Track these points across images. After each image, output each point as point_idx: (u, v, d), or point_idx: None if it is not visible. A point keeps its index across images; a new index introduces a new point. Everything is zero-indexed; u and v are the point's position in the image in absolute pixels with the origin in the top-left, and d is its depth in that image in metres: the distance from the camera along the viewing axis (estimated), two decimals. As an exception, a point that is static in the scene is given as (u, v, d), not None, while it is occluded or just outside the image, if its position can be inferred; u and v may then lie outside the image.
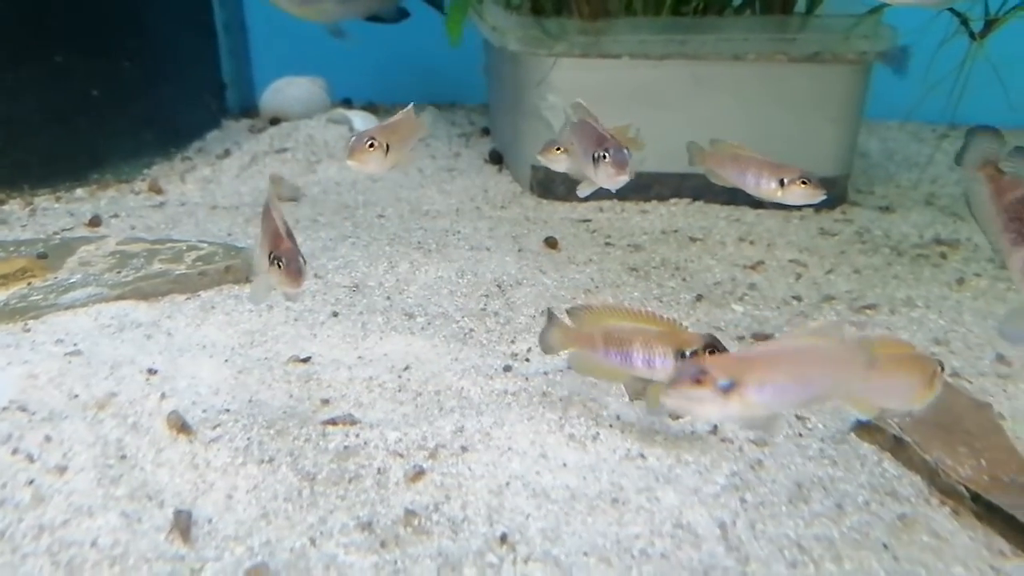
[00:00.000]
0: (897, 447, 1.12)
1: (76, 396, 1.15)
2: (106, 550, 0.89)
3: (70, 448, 1.03)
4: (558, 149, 1.64)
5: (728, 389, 0.75)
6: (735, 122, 2.30)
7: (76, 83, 2.47)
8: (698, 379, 0.75)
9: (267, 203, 1.20)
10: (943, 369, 0.98)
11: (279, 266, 1.06)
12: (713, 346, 1.02)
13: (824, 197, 1.40)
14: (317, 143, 2.87)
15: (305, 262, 1.08)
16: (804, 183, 1.38)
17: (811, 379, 0.81)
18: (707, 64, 2.29)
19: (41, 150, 2.41)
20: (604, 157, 1.14)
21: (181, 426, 1.12)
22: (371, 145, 1.25)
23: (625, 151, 1.14)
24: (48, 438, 1.04)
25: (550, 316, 1.14)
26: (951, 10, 2.20)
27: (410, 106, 1.44)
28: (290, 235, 1.11)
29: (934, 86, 2.39)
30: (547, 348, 1.15)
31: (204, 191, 2.53)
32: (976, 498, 1.01)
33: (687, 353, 1.02)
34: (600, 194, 2.38)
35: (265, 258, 1.10)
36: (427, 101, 3.76)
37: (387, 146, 1.27)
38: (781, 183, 1.40)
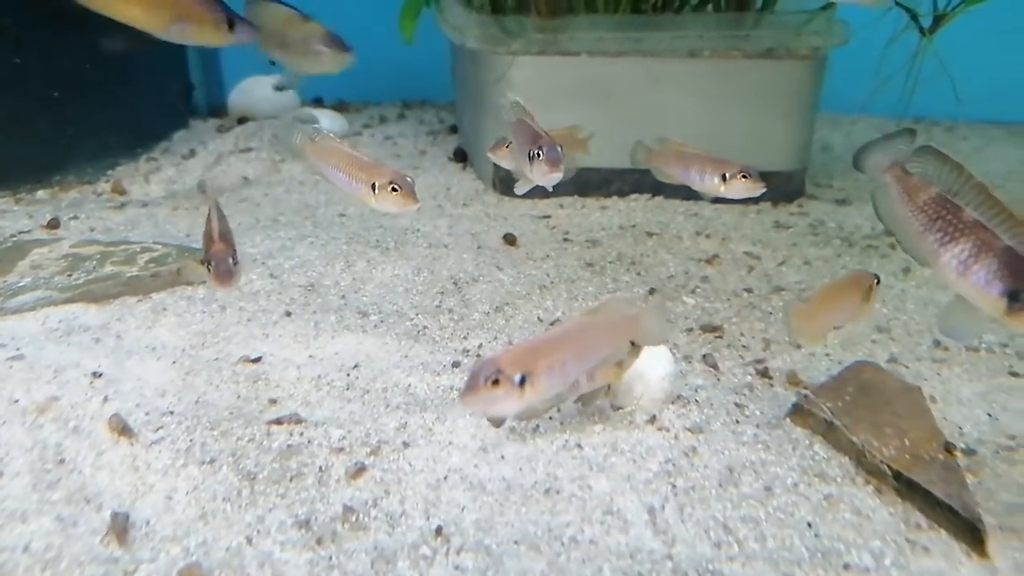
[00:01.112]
0: (828, 430, 1.15)
1: (16, 401, 1.15)
2: (39, 554, 0.90)
3: (6, 453, 1.04)
4: (508, 146, 1.66)
5: (522, 382, 0.80)
6: (692, 118, 2.33)
7: (35, 85, 2.45)
8: (495, 380, 0.79)
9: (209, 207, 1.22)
10: (747, 176, 1.33)
11: (209, 268, 1.08)
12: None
13: (764, 190, 1.43)
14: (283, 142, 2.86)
15: (236, 263, 1.09)
16: (745, 177, 1.42)
17: (586, 355, 0.92)
18: (663, 61, 2.32)
19: (1, 153, 2.39)
20: (538, 155, 1.16)
21: (123, 429, 1.13)
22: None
23: (559, 148, 1.16)
24: (-15, 443, 1.04)
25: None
26: (901, 6, 2.25)
27: None
28: (224, 236, 1.12)
29: (886, 80, 2.44)
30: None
31: (167, 191, 2.52)
32: (898, 476, 1.04)
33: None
34: (561, 191, 2.42)
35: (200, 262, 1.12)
36: (397, 99, 3.76)
37: None
38: (723, 178, 1.43)
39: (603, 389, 1.20)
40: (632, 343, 1.14)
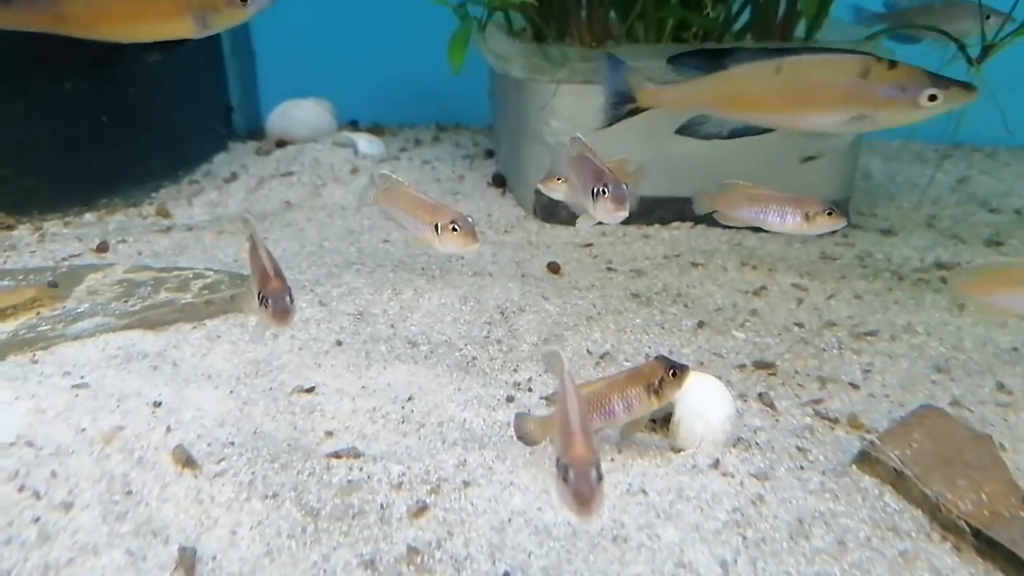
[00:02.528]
0: (898, 480, 1.12)
1: (83, 430, 1.16)
2: (111, 589, 0.90)
3: (76, 484, 1.04)
4: (559, 179, 1.66)
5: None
6: (736, 146, 2.32)
7: (85, 110, 2.51)
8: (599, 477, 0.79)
9: (251, 240, 1.21)
10: (832, 212, 1.42)
11: (266, 305, 1.08)
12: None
13: (846, 223, 1.44)
14: (323, 166, 2.90)
15: (292, 300, 1.09)
16: (830, 214, 1.43)
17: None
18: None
19: (50, 176, 2.45)
20: (604, 192, 1.16)
21: (186, 460, 1.13)
22: None
23: (624, 186, 1.16)
24: (54, 474, 1.05)
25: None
26: (949, 36, 2.23)
27: None
28: (278, 272, 1.12)
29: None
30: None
31: (211, 215, 2.56)
32: (977, 534, 1.01)
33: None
34: (602, 218, 2.42)
35: (255, 297, 1.12)
36: (432, 122, 3.80)
37: None
38: (806, 216, 1.44)
39: (644, 420, 1.19)
40: (673, 373, 1.15)
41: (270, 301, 1.10)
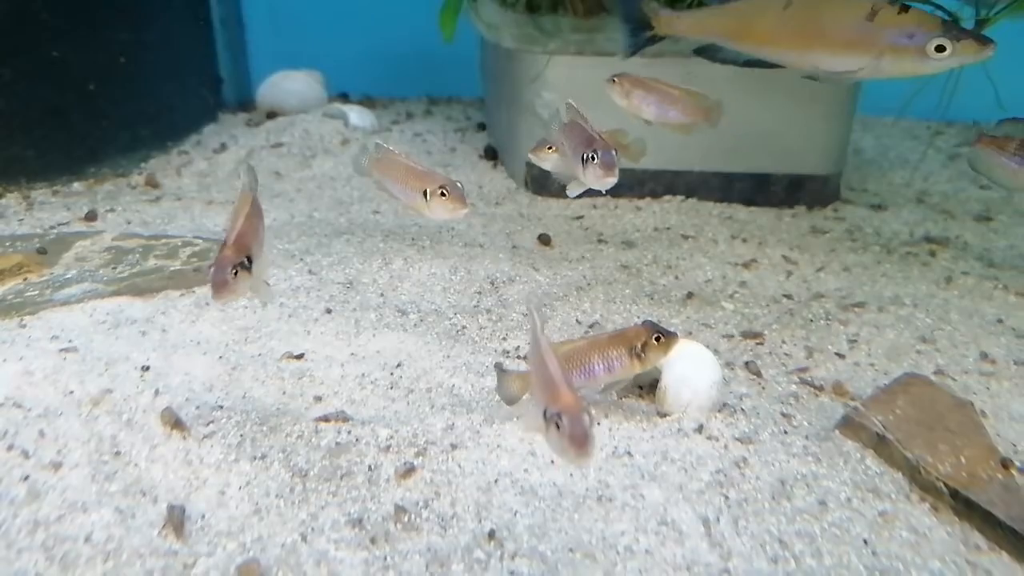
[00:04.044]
0: (880, 444, 1.14)
1: (71, 393, 1.16)
2: (100, 545, 0.91)
3: (65, 444, 1.05)
4: (550, 148, 1.65)
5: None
6: (728, 119, 2.31)
7: (72, 77, 2.47)
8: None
9: (242, 195, 1.17)
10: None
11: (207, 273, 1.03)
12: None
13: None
14: (313, 138, 2.87)
15: (242, 272, 1.01)
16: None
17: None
18: (699, 62, 2.29)
19: (38, 144, 2.42)
20: (592, 158, 1.15)
21: (175, 423, 1.13)
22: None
23: (613, 152, 1.16)
24: (42, 434, 1.06)
25: None
26: (942, 9, 2.22)
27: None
28: (241, 240, 1.05)
29: (926, 83, 2.40)
30: None
31: (200, 185, 2.54)
32: (955, 494, 1.03)
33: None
34: (594, 191, 2.42)
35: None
36: (423, 95, 3.77)
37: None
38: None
39: (624, 382, 1.19)
40: (657, 339, 1.15)
41: (210, 270, 1.02)
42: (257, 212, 1.16)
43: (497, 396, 1.19)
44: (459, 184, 1.24)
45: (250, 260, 1.05)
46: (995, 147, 1.67)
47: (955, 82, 2.46)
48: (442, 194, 1.23)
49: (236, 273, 1.02)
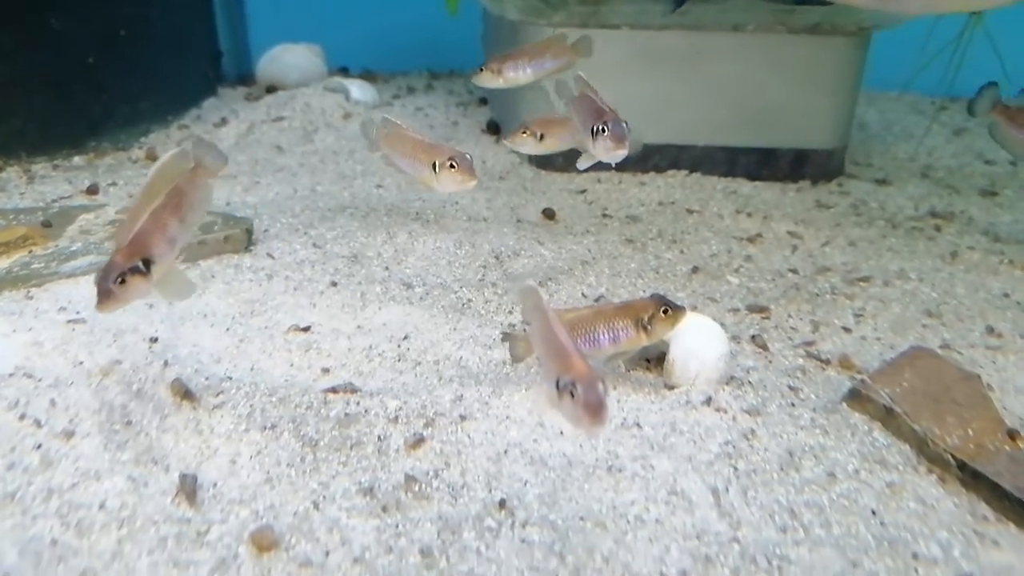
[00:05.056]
0: (887, 417, 1.14)
1: (80, 363, 1.16)
2: (114, 512, 0.91)
3: (76, 414, 1.05)
4: (524, 132, 1.63)
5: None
6: (733, 93, 2.29)
7: (72, 49, 2.44)
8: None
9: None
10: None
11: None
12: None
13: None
14: (314, 111, 2.85)
15: (134, 274, 0.95)
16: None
17: None
18: (707, 35, 2.27)
19: (37, 117, 2.39)
20: (603, 130, 1.14)
21: (184, 393, 1.14)
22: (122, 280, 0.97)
23: (624, 124, 1.15)
24: (54, 403, 1.06)
25: None
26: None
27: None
28: (141, 239, 0.99)
29: (931, 58, 2.38)
30: None
31: (201, 160, 2.52)
32: (962, 466, 1.03)
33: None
34: (599, 165, 2.40)
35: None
36: (424, 69, 3.73)
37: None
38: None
39: (630, 354, 1.19)
40: (665, 312, 1.14)
41: (97, 275, 0.96)
42: (177, 200, 1.04)
43: (506, 368, 1.20)
44: (468, 156, 1.23)
45: (148, 262, 0.98)
46: (1006, 118, 1.67)
47: (960, 58, 2.43)
48: (451, 166, 1.22)
49: (123, 280, 0.95)
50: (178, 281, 1.07)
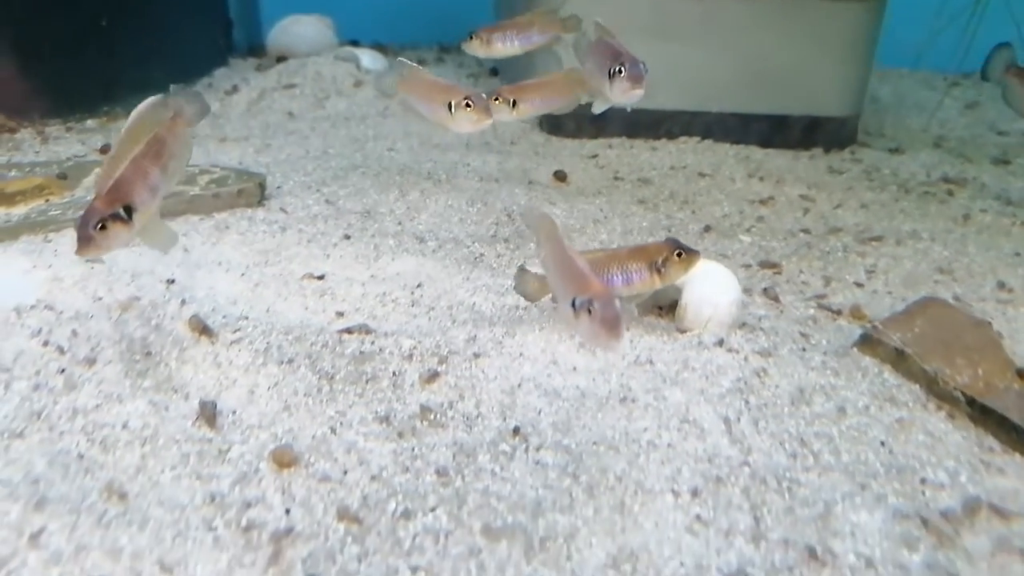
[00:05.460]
0: (898, 359, 1.15)
1: (100, 299, 1.18)
2: (137, 431, 0.93)
3: (97, 343, 1.07)
4: (496, 100, 1.57)
5: None
6: (745, 59, 2.29)
7: (85, 10, 2.45)
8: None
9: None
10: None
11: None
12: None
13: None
14: (325, 79, 2.85)
15: (112, 224, 0.94)
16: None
17: None
18: (721, 1, 2.26)
19: (51, 79, 2.41)
20: (620, 71, 1.14)
21: (202, 329, 1.15)
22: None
23: (642, 65, 1.15)
24: (75, 333, 1.07)
25: None
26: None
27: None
28: (120, 187, 0.97)
29: (940, 32, 2.37)
30: None
31: (213, 126, 2.53)
32: (971, 402, 1.04)
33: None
34: (610, 131, 2.39)
35: None
36: (434, 42, 3.73)
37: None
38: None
39: (643, 296, 1.19)
40: (679, 255, 1.15)
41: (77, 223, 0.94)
42: (158, 148, 1.02)
43: (519, 311, 1.21)
44: (483, 95, 1.24)
45: (129, 210, 0.96)
46: (1020, 79, 1.67)
47: (971, 35, 2.42)
48: (467, 105, 1.23)
49: (103, 227, 0.94)
50: (161, 231, 1.05)
